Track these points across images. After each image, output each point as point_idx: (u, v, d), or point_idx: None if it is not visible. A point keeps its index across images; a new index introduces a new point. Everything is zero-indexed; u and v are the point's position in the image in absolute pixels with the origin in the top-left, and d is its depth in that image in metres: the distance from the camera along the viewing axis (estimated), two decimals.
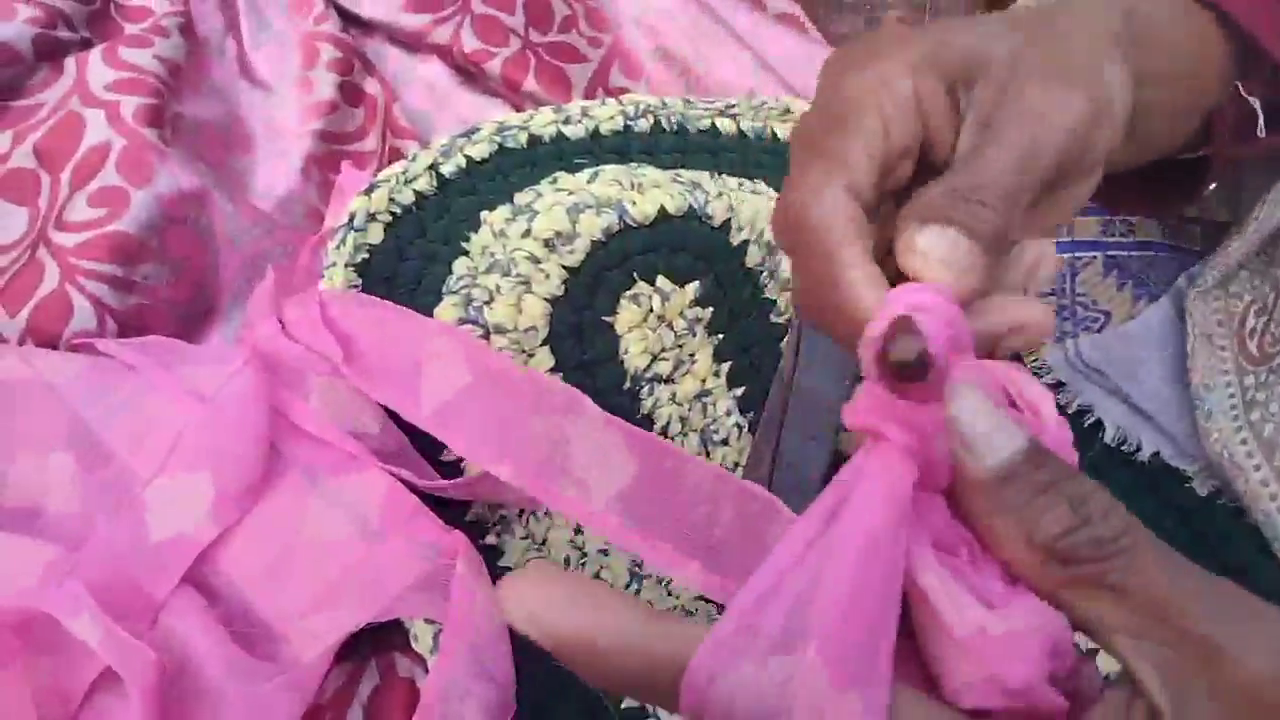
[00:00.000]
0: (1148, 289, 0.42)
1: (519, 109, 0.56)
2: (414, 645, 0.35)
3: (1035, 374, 0.42)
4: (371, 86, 0.57)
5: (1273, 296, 0.39)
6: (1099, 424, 0.41)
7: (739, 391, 0.41)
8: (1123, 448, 0.40)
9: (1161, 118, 0.33)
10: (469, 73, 0.58)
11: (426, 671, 0.36)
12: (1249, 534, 0.38)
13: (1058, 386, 0.42)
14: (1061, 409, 0.42)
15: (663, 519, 0.33)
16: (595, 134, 0.46)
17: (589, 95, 0.56)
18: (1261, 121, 0.35)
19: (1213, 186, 0.36)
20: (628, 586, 0.37)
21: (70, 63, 0.53)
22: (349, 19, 0.60)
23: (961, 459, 0.21)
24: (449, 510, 0.38)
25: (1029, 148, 0.26)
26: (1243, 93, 0.34)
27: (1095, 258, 0.43)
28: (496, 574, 0.38)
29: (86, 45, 0.55)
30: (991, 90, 0.27)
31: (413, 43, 0.59)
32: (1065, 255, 0.43)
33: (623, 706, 0.34)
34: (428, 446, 0.38)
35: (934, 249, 0.25)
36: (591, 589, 0.21)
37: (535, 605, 0.21)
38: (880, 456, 0.21)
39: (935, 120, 0.28)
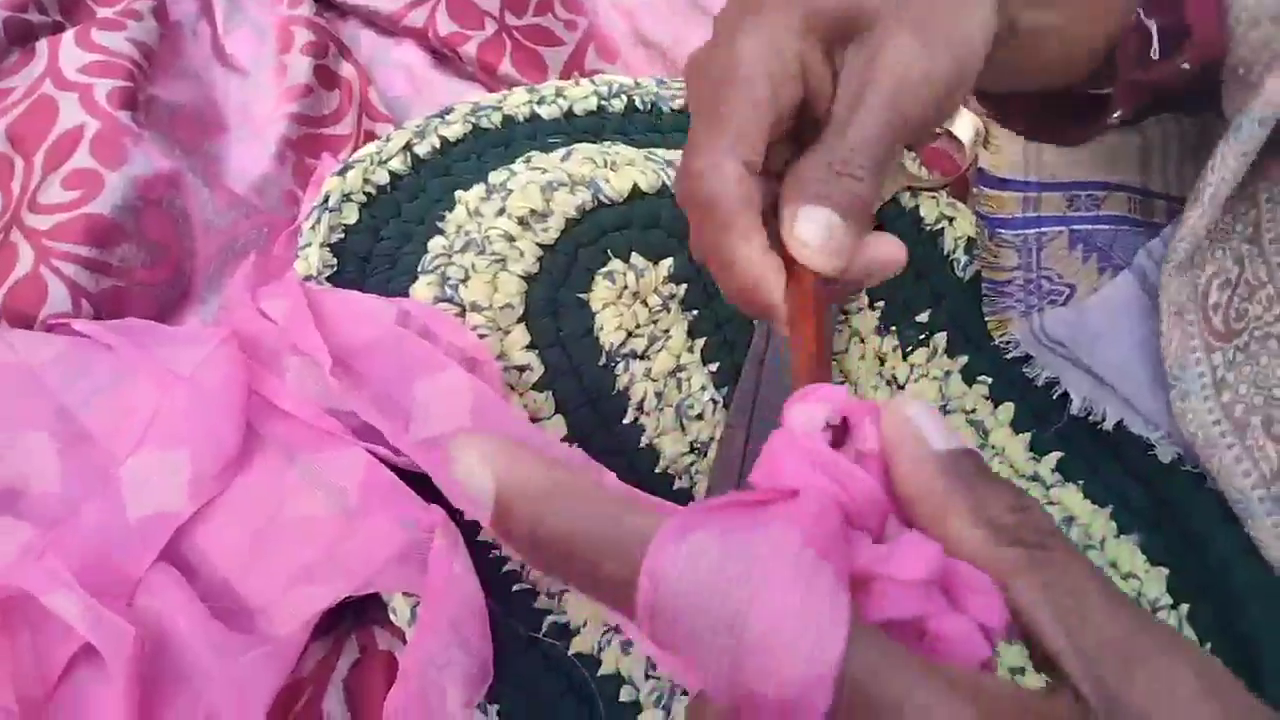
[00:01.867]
0: (1112, 262, 0.43)
1: (494, 92, 0.56)
2: (392, 618, 0.35)
3: (1005, 347, 0.43)
4: (346, 70, 0.57)
5: (1236, 269, 0.40)
6: (1066, 395, 0.41)
7: (713, 367, 0.42)
8: (1089, 418, 0.41)
9: (1060, 41, 0.34)
10: (444, 56, 0.58)
11: (405, 644, 0.36)
12: (1210, 501, 0.39)
13: (1025, 359, 0.42)
14: (1030, 381, 0.42)
15: None
16: (569, 114, 0.47)
17: (565, 78, 0.56)
18: (1155, 44, 0.35)
19: (1116, 115, 0.37)
20: None
21: (42, 46, 0.53)
22: (323, 2, 0.60)
23: (911, 447, 0.21)
24: (428, 487, 0.39)
25: (894, 114, 0.28)
26: (1143, 17, 0.35)
27: (1061, 232, 0.44)
28: (475, 548, 0.38)
29: (59, 28, 0.55)
30: (861, 52, 0.29)
31: (388, 26, 0.59)
32: (1031, 231, 0.44)
33: (599, 674, 0.34)
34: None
35: (811, 237, 0.28)
36: (547, 462, 0.20)
37: (490, 449, 0.20)
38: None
39: (815, 81, 0.30)
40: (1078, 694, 0.19)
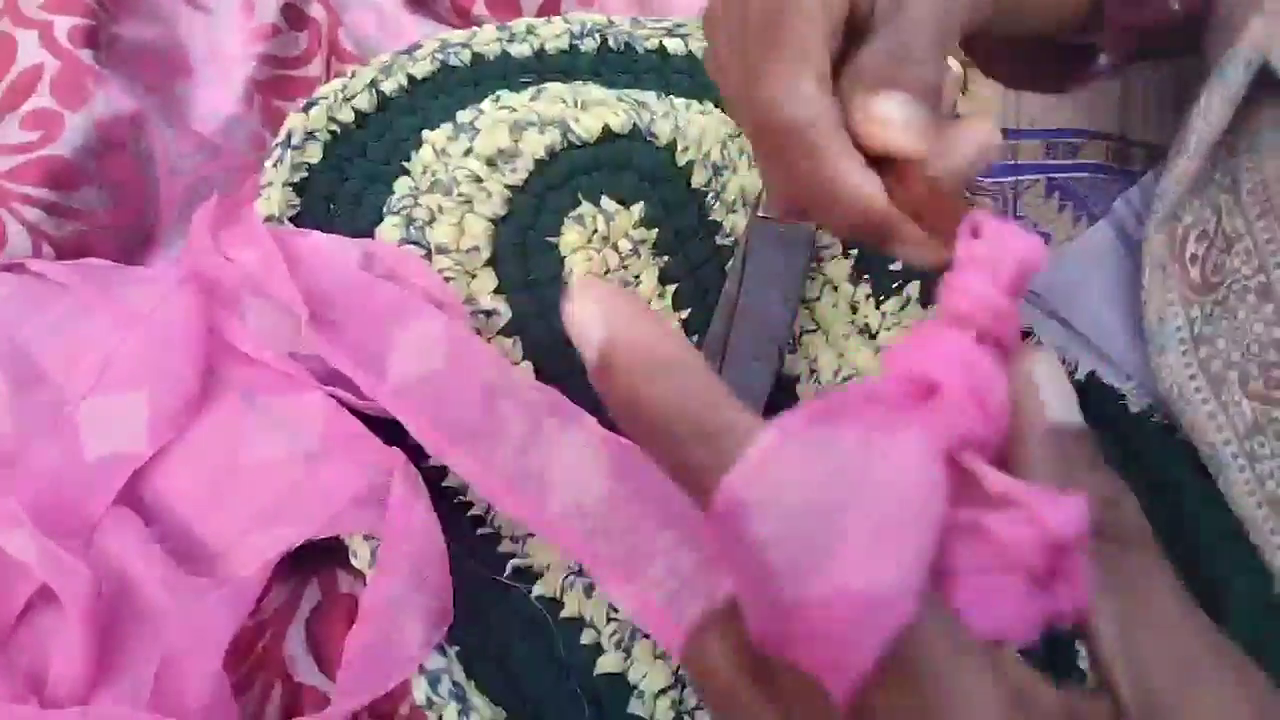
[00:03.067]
0: (1088, 211, 0.43)
1: None
2: (353, 561, 0.35)
3: None
4: (316, 10, 0.55)
5: (1214, 220, 0.39)
6: (1039, 345, 0.41)
7: (685, 314, 0.41)
8: (1062, 366, 0.41)
9: None
10: None
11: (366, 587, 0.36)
12: (1179, 451, 0.39)
13: None
14: None
15: (622, 539, 0.34)
16: (540, 53, 0.46)
17: None
18: None
19: (1104, 61, 0.36)
20: None
21: None
22: None
23: (1029, 407, 0.20)
24: (392, 433, 0.38)
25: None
26: None
27: (1038, 180, 0.43)
28: (440, 495, 0.38)
29: None
30: None
31: None
32: (1008, 179, 0.43)
33: (561, 616, 0.34)
34: None
35: (893, 114, 0.26)
36: (660, 326, 0.20)
37: (612, 300, 0.19)
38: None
39: None
40: (1120, 706, 0.18)
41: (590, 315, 0.19)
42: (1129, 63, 0.38)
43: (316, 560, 0.37)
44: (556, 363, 0.40)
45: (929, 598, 0.18)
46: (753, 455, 0.18)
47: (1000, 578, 0.19)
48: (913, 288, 0.42)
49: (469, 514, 0.37)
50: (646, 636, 0.33)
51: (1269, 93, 0.37)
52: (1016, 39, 0.38)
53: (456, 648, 0.33)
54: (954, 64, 0.44)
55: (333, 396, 0.37)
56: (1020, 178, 0.43)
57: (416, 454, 0.39)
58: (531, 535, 0.36)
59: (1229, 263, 0.39)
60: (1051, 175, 0.43)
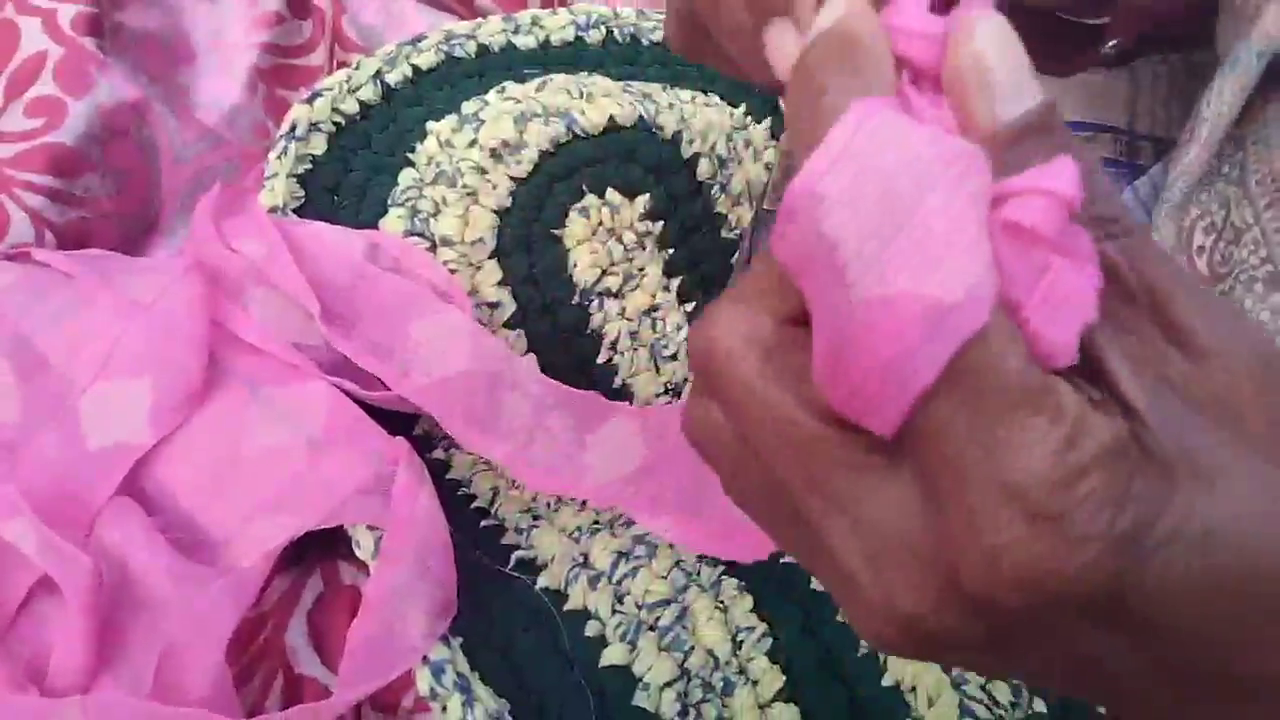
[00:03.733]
0: None
1: None
2: (356, 552, 0.35)
3: None
4: None
5: (1222, 213, 0.39)
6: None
7: (689, 307, 0.41)
8: None
9: None
10: None
11: (369, 578, 0.36)
12: None
13: None
14: None
15: (664, 494, 0.35)
16: (545, 44, 0.45)
17: (545, 8, 0.55)
18: None
19: (1112, 45, 0.36)
20: (573, 499, 0.37)
21: None
22: None
23: (972, 105, 0.18)
24: (396, 425, 0.38)
25: None
26: None
27: None
28: (444, 487, 0.37)
29: None
30: None
31: None
32: None
33: (565, 609, 0.34)
34: None
35: None
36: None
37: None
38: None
39: None
40: (1126, 405, 0.17)
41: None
42: (1136, 45, 0.38)
43: (319, 551, 0.37)
44: (560, 356, 0.40)
45: (1000, 310, 0.17)
46: (831, 139, 0.17)
47: (1035, 261, 0.17)
48: None
49: (473, 506, 0.37)
50: (652, 629, 0.33)
51: (1274, 85, 0.36)
52: (1022, 10, 0.37)
53: (460, 639, 0.33)
54: None
55: (336, 386, 0.37)
56: None
57: (420, 444, 0.39)
58: (536, 526, 0.36)
59: (1237, 254, 0.39)
60: None
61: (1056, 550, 0.17)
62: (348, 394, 0.37)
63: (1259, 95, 0.37)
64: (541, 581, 0.35)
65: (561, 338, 0.40)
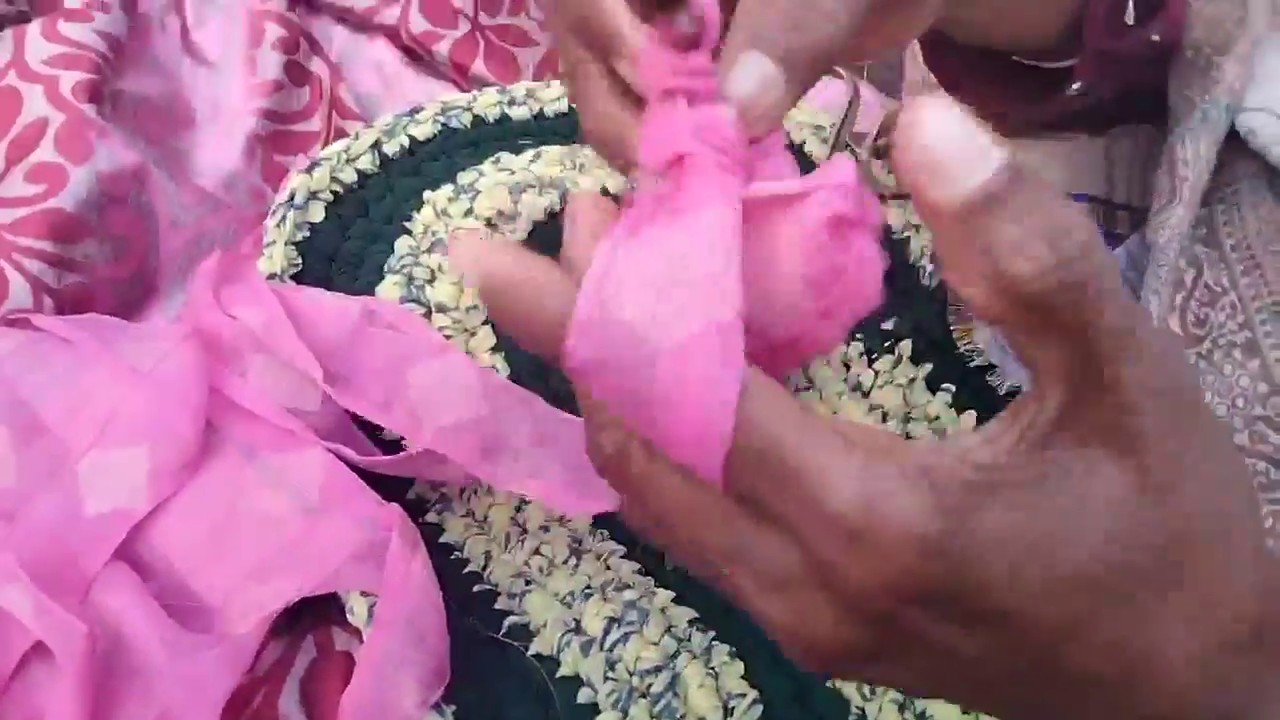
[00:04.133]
0: None
1: (466, 91, 0.56)
2: (349, 618, 0.35)
3: (969, 355, 0.43)
4: (317, 67, 0.56)
5: (1191, 272, 0.40)
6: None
7: None
8: None
9: None
10: (417, 55, 0.58)
11: (363, 644, 0.36)
12: None
13: (990, 368, 0.43)
14: (995, 389, 0.43)
15: None
16: (540, 115, 0.47)
17: (538, 78, 0.56)
18: (1131, 7, 0.35)
19: (1076, 87, 0.36)
20: (566, 561, 0.37)
21: (7, 36, 0.52)
22: None
23: (922, 185, 0.18)
24: (389, 489, 0.38)
25: None
26: None
27: None
28: (437, 551, 0.38)
29: (24, 19, 0.54)
30: None
31: (361, 23, 0.59)
32: None
33: (558, 675, 0.34)
34: (367, 422, 0.38)
35: (747, 92, 0.23)
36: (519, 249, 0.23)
37: (479, 245, 0.23)
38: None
39: None
40: (1034, 422, 0.19)
41: (466, 258, 0.23)
42: (1100, 92, 0.39)
43: (312, 616, 0.37)
44: None
45: (758, 379, 0.20)
46: (581, 300, 0.21)
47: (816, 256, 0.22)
48: (904, 346, 0.43)
49: (466, 570, 0.37)
50: (644, 696, 0.34)
51: (1239, 144, 0.37)
52: (989, 53, 0.38)
53: (453, 707, 0.33)
54: None
55: (332, 452, 0.38)
56: None
57: (413, 508, 0.39)
58: (528, 591, 0.36)
59: (1213, 316, 0.40)
60: None
61: (878, 563, 0.19)
62: (343, 459, 0.38)
63: (1224, 154, 0.38)
64: (534, 647, 0.35)
65: (554, 402, 0.40)
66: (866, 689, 0.35)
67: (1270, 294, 0.39)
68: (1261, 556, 0.21)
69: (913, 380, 0.42)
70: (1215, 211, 0.40)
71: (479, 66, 0.56)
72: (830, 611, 0.21)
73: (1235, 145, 0.38)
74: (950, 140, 0.18)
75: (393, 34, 0.58)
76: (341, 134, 0.54)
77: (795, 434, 0.20)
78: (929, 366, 0.42)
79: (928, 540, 0.19)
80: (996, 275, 0.18)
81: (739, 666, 0.35)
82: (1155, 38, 0.35)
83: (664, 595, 0.36)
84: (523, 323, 0.22)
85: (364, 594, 0.35)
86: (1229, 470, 0.21)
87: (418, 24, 0.57)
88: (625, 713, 0.33)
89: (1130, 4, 0.35)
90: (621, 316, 0.20)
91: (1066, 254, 0.18)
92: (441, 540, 0.38)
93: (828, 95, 0.46)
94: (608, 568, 0.37)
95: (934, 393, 0.41)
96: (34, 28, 0.52)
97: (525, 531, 0.39)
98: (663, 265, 0.21)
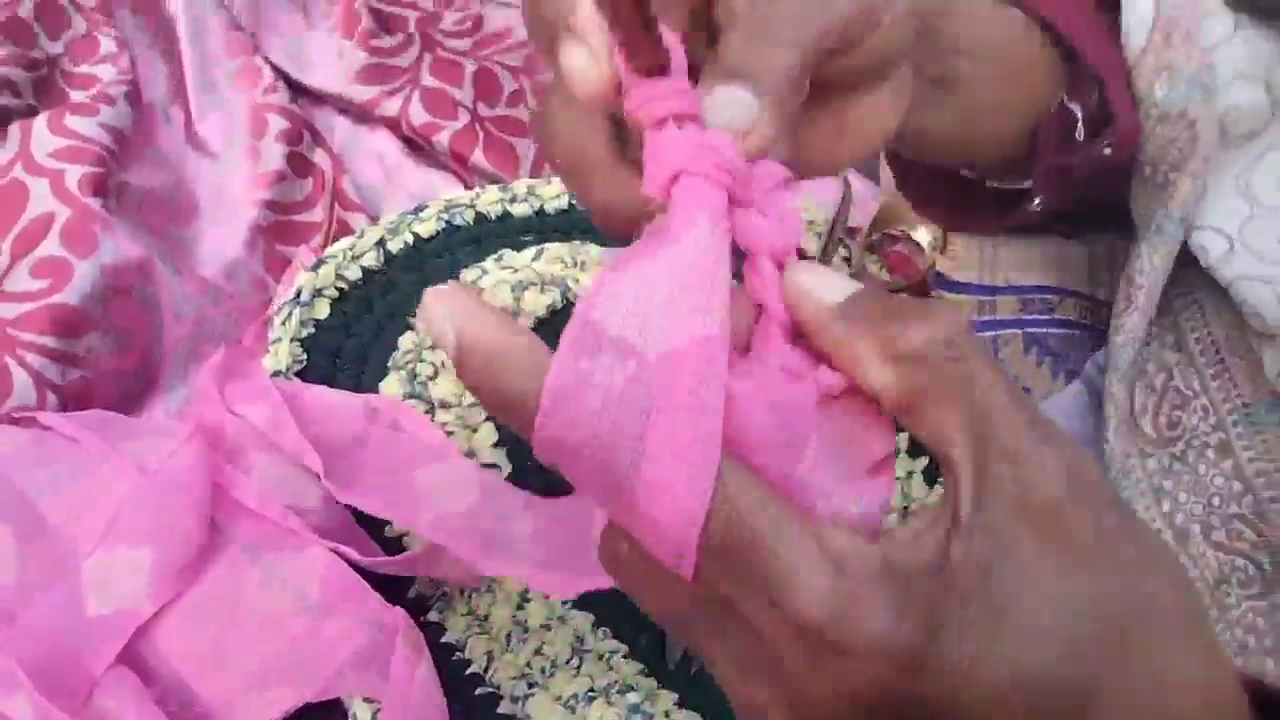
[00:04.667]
0: (1065, 366, 0.44)
1: (467, 182, 0.57)
2: None
3: None
4: (320, 158, 0.57)
5: (1162, 376, 0.41)
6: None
7: None
8: None
9: (991, 99, 0.34)
10: (417, 145, 0.59)
11: None
12: None
13: None
14: None
15: None
16: (540, 212, 0.48)
17: (536, 169, 0.57)
18: (1081, 125, 0.36)
19: (1036, 204, 0.37)
20: (569, 662, 0.37)
21: (15, 130, 0.53)
22: (298, 89, 0.61)
23: (810, 307, 0.22)
24: (391, 586, 0.39)
25: None
26: (1066, 101, 0.36)
27: (1016, 335, 0.45)
28: (438, 650, 0.38)
29: (31, 112, 0.55)
30: None
31: (362, 114, 0.60)
32: (988, 334, 0.45)
33: None
34: (370, 522, 0.39)
35: (728, 117, 0.24)
36: (492, 309, 0.23)
37: (457, 304, 0.23)
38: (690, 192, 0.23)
39: None
40: (957, 518, 0.21)
41: (442, 317, 0.23)
42: (1060, 208, 0.40)
43: (315, 717, 0.37)
44: None
45: (736, 474, 0.21)
46: (545, 398, 0.21)
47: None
48: (901, 439, 0.43)
49: (468, 672, 0.37)
50: None
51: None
52: (947, 173, 0.39)
53: None
54: (932, 225, 0.47)
55: (334, 551, 0.38)
56: (999, 332, 0.45)
57: (414, 607, 0.39)
58: (531, 695, 0.36)
59: (1185, 419, 0.41)
60: (1029, 330, 0.45)
61: (847, 674, 0.20)
62: (345, 559, 0.38)
63: (1184, 264, 0.39)
64: None
65: (556, 496, 0.41)
66: None
67: (1239, 396, 0.40)
68: (1210, 654, 0.22)
69: (910, 474, 0.42)
70: (1181, 319, 0.41)
71: (478, 157, 0.57)
72: (797, 708, 0.21)
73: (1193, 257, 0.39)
74: (821, 273, 0.23)
75: (394, 125, 0.59)
76: (343, 224, 0.55)
77: (767, 527, 0.21)
78: (925, 459, 0.42)
79: (895, 654, 0.20)
80: (887, 342, 0.22)
81: None
82: (1106, 152, 0.36)
83: (667, 698, 0.36)
84: (495, 391, 0.22)
85: (367, 700, 0.35)
86: (1150, 554, 0.22)
87: (418, 115, 0.58)
88: None
89: (1080, 122, 0.36)
90: (593, 382, 0.21)
91: (949, 328, 0.22)
92: (443, 640, 0.38)
93: (821, 190, 0.48)
94: (611, 668, 0.37)
95: (931, 486, 0.42)
96: (40, 121, 0.53)
97: (527, 630, 0.40)
98: (647, 288, 0.21)
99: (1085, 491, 0.21)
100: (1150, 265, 0.38)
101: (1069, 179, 0.37)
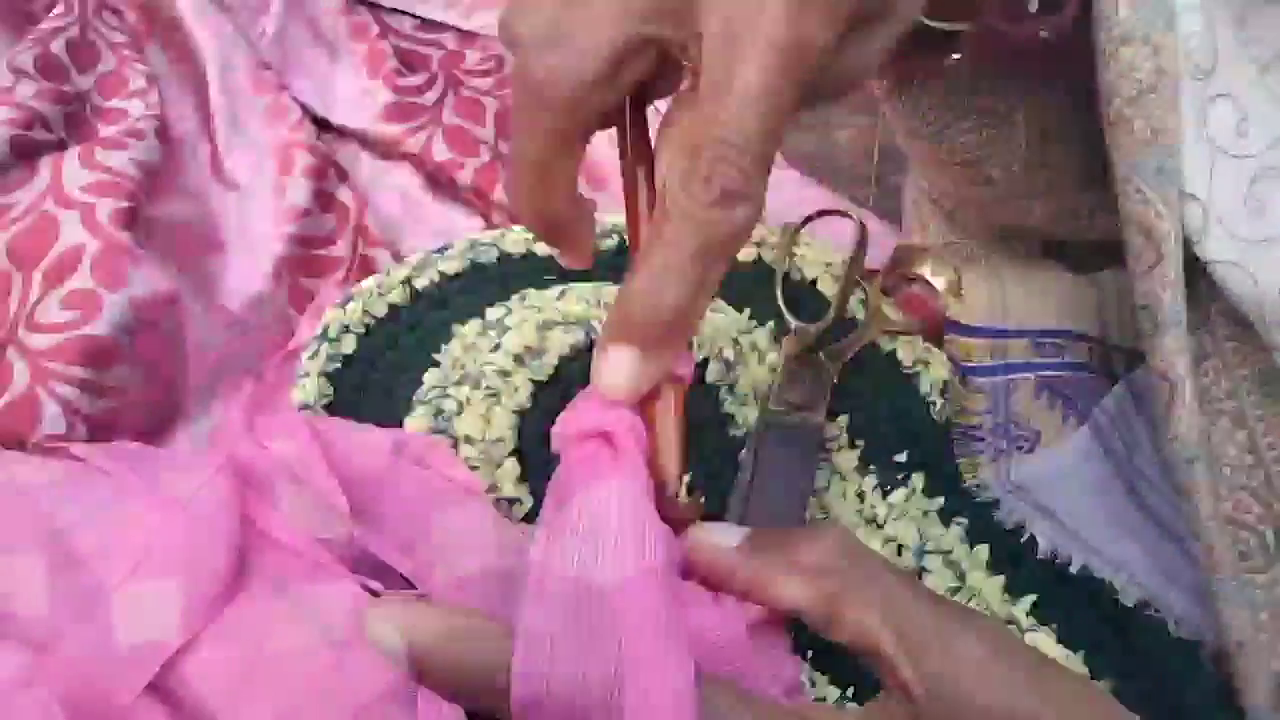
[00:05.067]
0: (1076, 410, 0.45)
1: (488, 218, 0.58)
2: None
3: (974, 490, 0.45)
4: (344, 194, 0.58)
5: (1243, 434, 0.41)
6: (1035, 539, 0.43)
7: (700, 501, 0.43)
8: (1056, 561, 0.43)
9: None
10: (439, 182, 0.60)
11: None
12: (1179, 645, 0.40)
13: (995, 504, 0.44)
14: (998, 524, 0.44)
15: None
16: None
17: None
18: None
19: (955, 57, 0.36)
20: None
21: (45, 163, 0.54)
22: (323, 125, 0.62)
23: (708, 560, 0.27)
24: None
25: (778, 61, 0.24)
26: None
27: (1028, 379, 0.46)
28: None
29: (62, 146, 0.57)
30: None
31: (386, 151, 0.61)
32: (1000, 377, 0.46)
33: None
34: None
35: (614, 383, 0.29)
36: (443, 611, 0.26)
37: (397, 612, 0.26)
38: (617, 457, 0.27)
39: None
40: (907, 690, 0.24)
41: (383, 634, 0.26)
42: (974, 71, 0.39)
43: None
44: None
45: (711, 682, 0.23)
46: (517, 649, 0.24)
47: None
48: (917, 479, 0.44)
49: None
50: None
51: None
52: None
53: None
54: (949, 267, 0.47)
55: (362, 585, 0.38)
56: (1011, 376, 0.46)
57: None
58: None
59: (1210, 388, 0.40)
60: (1041, 373, 0.46)
61: None
62: (373, 593, 0.38)
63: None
64: None
65: None
66: None
67: (1254, 362, 0.39)
68: None
69: (926, 513, 0.43)
70: (1200, 287, 0.41)
71: (499, 193, 0.59)
72: None
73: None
74: (715, 529, 0.29)
75: (417, 162, 0.60)
76: (367, 260, 0.56)
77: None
78: (941, 500, 0.43)
79: None
80: (793, 564, 0.26)
81: None
82: (1044, 34, 0.35)
83: None
84: (462, 669, 0.25)
85: None
86: (1078, 685, 0.27)
87: (440, 152, 0.60)
88: None
89: None
90: (563, 622, 0.24)
91: (842, 538, 0.26)
92: None
93: (837, 232, 0.49)
94: None
95: (948, 526, 0.43)
96: (71, 155, 0.54)
97: None
98: (590, 527, 0.25)
99: (1007, 648, 0.25)
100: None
101: (1000, 48, 0.36)
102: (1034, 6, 0.35)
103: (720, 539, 0.27)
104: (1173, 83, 0.34)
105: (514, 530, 0.39)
